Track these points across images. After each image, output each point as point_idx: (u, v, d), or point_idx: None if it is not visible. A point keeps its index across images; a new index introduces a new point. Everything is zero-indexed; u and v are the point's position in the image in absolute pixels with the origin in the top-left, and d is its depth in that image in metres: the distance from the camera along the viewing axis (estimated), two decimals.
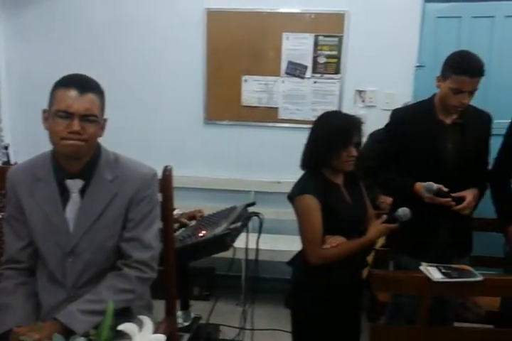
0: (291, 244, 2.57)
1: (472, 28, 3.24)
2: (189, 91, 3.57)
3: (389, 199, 2.60)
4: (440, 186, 2.08)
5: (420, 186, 2.12)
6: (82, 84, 1.46)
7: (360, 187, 2.12)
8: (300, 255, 2.06)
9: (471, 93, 2.08)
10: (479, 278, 1.92)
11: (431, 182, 2.08)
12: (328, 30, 3.40)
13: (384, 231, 2.00)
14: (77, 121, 1.42)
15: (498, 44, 3.25)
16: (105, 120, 1.54)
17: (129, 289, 1.51)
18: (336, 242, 1.93)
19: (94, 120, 1.46)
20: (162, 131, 3.62)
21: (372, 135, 2.87)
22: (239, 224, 2.05)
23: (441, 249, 2.19)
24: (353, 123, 1.96)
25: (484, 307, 2.54)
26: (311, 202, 1.92)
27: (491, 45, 3.25)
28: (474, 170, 2.19)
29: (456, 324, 2.41)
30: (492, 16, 3.22)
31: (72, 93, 1.43)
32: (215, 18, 3.45)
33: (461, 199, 2.10)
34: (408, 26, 3.30)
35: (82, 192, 1.54)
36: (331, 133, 1.93)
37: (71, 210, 1.53)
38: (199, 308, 2.36)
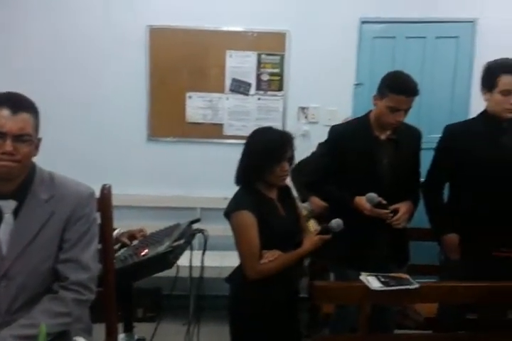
0: (238, 260, 2.56)
1: (406, 48, 3.42)
2: (132, 108, 3.54)
3: (320, 202, 2.66)
4: (380, 199, 2.17)
5: (360, 199, 2.20)
6: (15, 103, 1.42)
7: (293, 199, 2.17)
8: (238, 271, 2.07)
9: (406, 111, 2.19)
10: (416, 286, 2.01)
11: (373, 194, 2.16)
12: (271, 48, 3.49)
13: (318, 243, 2.04)
14: (10, 141, 1.38)
15: (430, 63, 3.44)
16: (39, 139, 1.50)
17: (65, 312, 1.46)
18: (273, 256, 1.95)
19: (28, 140, 1.43)
20: (104, 148, 3.55)
21: (320, 145, 2.91)
22: (182, 241, 2.02)
23: (380, 260, 2.27)
24: (285, 139, 2.01)
25: (423, 314, 2.63)
26: (247, 217, 1.94)
27: (423, 63, 3.44)
28: (408, 183, 2.30)
29: (397, 331, 2.48)
30: (424, 37, 3.41)
31: (5, 112, 1.39)
32: (157, 35, 3.46)
33: (396, 212, 2.19)
34: (346, 46, 3.44)
35: (16, 213, 1.49)
36: (264, 148, 1.97)
37: (4, 232, 1.48)
38: (144, 330, 2.30)
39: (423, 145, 2.42)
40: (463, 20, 3.39)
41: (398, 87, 2.15)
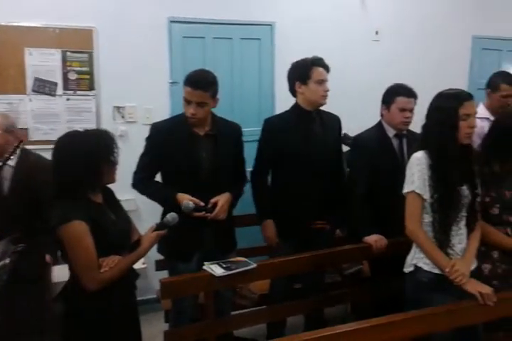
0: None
1: (215, 48, 3.57)
2: None
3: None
4: (196, 203, 2.23)
5: (182, 199, 2.23)
6: None
7: (117, 201, 2.05)
8: (71, 286, 1.89)
9: (199, 104, 2.24)
10: (254, 266, 2.15)
11: (186, 202, 2.20)
12: (77, 46, 3.29)
13: (156, 239, 1.99)
14: None
15: (238, 62, 3.65)
16: None
17: None
18: (113, 262, 1.83)
19: None
20: None
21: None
22: (7, 260, 1.80)
23: (208, 249, 2.35)
24: (105, 137, 1.86)
25: (257, 292, 2.79)
26: (80, 227, 1.76)
27: (232, 63, 3.64)
28: (229, 176, 2.42)
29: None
30: (230, 38, 3.60)
31: None
32: None
33: (216, 205, 2.29)
34: (157, 44, 3.43)
35: None
36: (91, 152, 1.80)
37: None
38: None
39: None
40: (263, 23, 3.68)
41: (189, 79, 2.25)
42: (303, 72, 2.50)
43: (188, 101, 2.24)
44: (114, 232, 1.88)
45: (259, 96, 3.72)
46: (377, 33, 4.10)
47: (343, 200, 2.61)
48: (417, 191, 1.94)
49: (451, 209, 1.92)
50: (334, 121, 2.68)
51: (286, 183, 2.58)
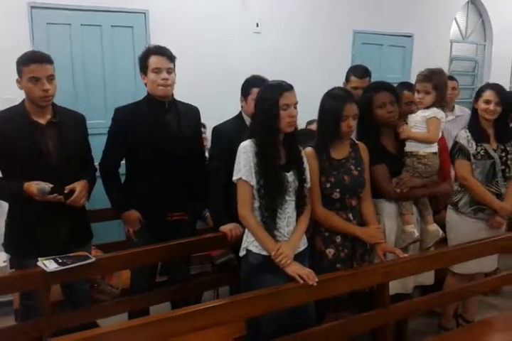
0: None
1: (83, 36, 3.45)
2: None
3: None
4: (52, 186, 2.15)
5: (29, 185, 2.13)
6: None
7: None
8: None
9: (50, 78, 2.17)
10: (92, 260, 2.10)
11: (42, 186, 2.11)
12: None
13: None
14: None
15: (109, 50, 3.56)
16: None
17: None
18: None
19: None
20: None
21: None
22: None
23: (62, 243, 2.27)
24: None
25: (120, 286, 2.74)
26: None
27: (103, 51, 3.54)
28: (78, 165, 2.34)
29: None
30: (99, 25, 3.49)
31: None
32: None
33: (73, 192, 2.22)
34: (18, 31, 3.25)
35: None
36: None
37: None
38: None
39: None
40: (136, 11, 3.60)
41: (30, 58, 2.17)
42: (142, 61, 2.47)
43: (36, 79, 2.13)
44: None
45: (135, 85, 3.62)
46: (258, 25, 4.15)
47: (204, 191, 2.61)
48: (244, 178, 1.99)
49: (276, 194, 1.99)
50: (192, 112, 2.67)
51: (139, 175, 2.53)
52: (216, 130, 2.67)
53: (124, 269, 2.56)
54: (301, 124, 2.83)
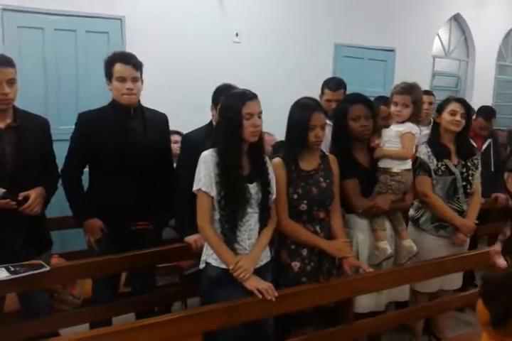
0: None
1: (56, 40, 3.39)
2: None
3: None
4: (4, 191, 2.08)
5: None
6: None
7: None
8: None
9: (11, 81, 2.11)
10: (47, 269, 2.02)
11: None
12: None
13: None
14: None
15: (83, 56, 3.51)
16: None
17: None
18: None
19: None
20: None
21: None
22: None
23: (16, 250, 2.19)
24: None
25: (83, 295, 2.66)
26: None
27: (76, 56, 3.49)
28: (38, 171, 2.27)
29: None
30: (74, 30, 3.44)
31: None
32: None
33: (27, 198, 2.15)
34: None
35: None
36: None
37: None
38: None
39: None
40: (112, 17, 3.56)
41: None
42: (107, 68, 2.42)
43: None
44: None
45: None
46: (237, 34, 4.13)
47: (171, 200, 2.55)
48: (204, 189, 1.93)
49: (237, 205, 1.93)
50: (159, 119, 2.61)
51: (102, 182, 2.46)
52: (186, 138, 2.62)
53: (83, 279, 2.48)
54: (281, 136, 2.77)
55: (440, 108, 2.75)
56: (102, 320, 2.44)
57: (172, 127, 3.18)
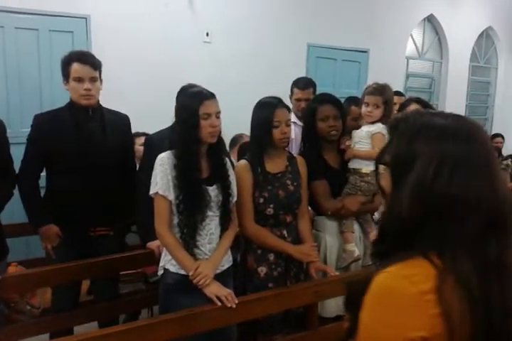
0: None
1: (17, 39, 3.27)
2: None
3: None
4: None
5: None
6: None
7: None
8: None
9: None
10: None
11: None
12: None
13: None
14: None
15: (46, 55, 3.38)
16: None
17: None
18: None
19: None
20: None
21: None
22: None
23: None
24: None
25: (43, 304, 2.55)
26: None
27: (39, 55, 3.36)
28: None
29: None
30: (36, 29, 3.32)
31: None
32: None
33: None
34: None
35: None
36: None
37: None
38: None
39: None
40: (76, 16, 3.46)
41: None
42: (64, 68, 2.32)
43: None
44: None
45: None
46: (207, 34, 4.06)
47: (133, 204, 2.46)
48: (161, 192, 1.85)
49: (196, 209, 1.85)
50: (120, 120, 2.52)
51: (60, 186, 2.36)
52: (148, 139, 2.54)
53: (39, 288, 2.37)
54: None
55: (402, 109, 2.72)
56: (63, 329, 2.34)
57: (140, 129, 3.11)
